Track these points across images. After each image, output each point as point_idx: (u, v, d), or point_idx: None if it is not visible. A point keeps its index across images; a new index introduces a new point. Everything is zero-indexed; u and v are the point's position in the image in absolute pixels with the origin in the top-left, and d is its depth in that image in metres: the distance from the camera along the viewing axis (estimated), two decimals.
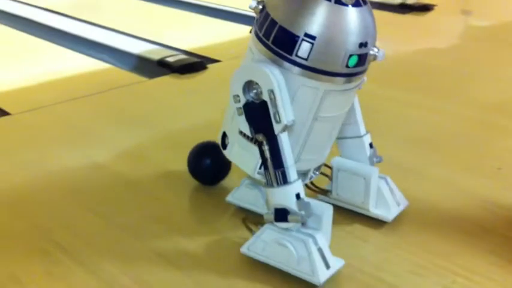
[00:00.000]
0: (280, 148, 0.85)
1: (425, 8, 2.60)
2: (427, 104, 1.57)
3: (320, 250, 0.86)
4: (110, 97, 1.64)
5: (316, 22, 0.80)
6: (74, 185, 1.17)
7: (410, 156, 1.28)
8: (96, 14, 2.57)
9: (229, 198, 1.07)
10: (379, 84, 1.76)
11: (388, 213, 1.02)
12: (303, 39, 0.81)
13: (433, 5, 2.63)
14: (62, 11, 2.62)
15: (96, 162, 1.26)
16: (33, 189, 1.16)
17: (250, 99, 0.86)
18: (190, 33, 2.34)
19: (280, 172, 0.86)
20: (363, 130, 1.03)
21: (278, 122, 0.84)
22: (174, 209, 1.09)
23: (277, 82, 0.83)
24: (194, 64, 1.87)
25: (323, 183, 1.08)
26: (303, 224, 0.87)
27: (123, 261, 0.93)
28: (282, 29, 0.82)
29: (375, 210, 1.02)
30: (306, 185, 1.03)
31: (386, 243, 0.98)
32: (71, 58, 2.03)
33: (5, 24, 2.47)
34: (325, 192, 1.07)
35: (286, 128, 0.85)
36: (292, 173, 0.86)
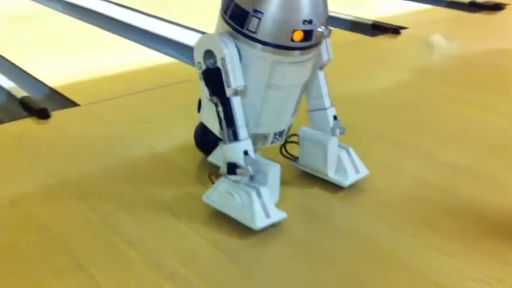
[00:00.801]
0: (232, 110, 0.99)
1: (497, 7, 2.52)
2: (493, 106, 1.53)
3: (262, 201, 0.99)
4: (175, 91, 1.67)
5: (263, 0, 0.93)
6: (138, 175, 1.21)
7: (482, 163, 1.26)
8: (165, 10, 2.63)
9: (210, 158, 1.21)
10: (444, 83, 1.73)
11: (345, 179, 1.13)
12: (252, 15, 0.93)
13: (505, 4, 2.54)
14: (132, 6, 2.69)
15: (159, 153, 1.29)
16: (100, 178, 1.21)
17: (210, 66, 0.99)
18: None
19: (231, 131, 1.00)
20: (327, 103, 1.14)
21: (229, 86, 0.98)
22: None
23: (229, 52, 0.96)
24: None
25: (296, 151, 1.18)
26: (252, 178, 1.01)
27: (184, 253, 0.96)
28: (236, 6, 0.95)
29: (334, 176, 1.14)
30: (281, 152, 1.18)
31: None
32: (139, 52, 2.09)
33: (77, 18, 2.56)
34: (295, 159, 1.19)
35: (237, 93, 0.99)
36: (242, 133, 1.00)
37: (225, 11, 0.98)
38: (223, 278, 0.92)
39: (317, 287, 0.90)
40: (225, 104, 0.99)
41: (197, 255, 0.97)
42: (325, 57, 1.11)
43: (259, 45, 0.95)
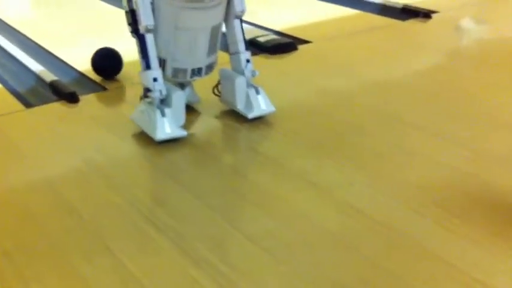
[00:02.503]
0: (145, 44, 1.24)
1: None
2: None
3: (165, 119, 1.23)
4: None
5: None
6: (167, 160, 1.24)
7: None
8: None
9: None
10: (478, 68, 1.69)
11: (250, 112, 1.34)
12: None
13: None
14: None
15: (193, 141, 1.31)
16: (128, 163, 1.23)
17: (131, 7, 1.23)
18: (281, 13, 2.35)
19: (144, 61, 1.25)
20: (241, 48, 1.35)
21: (140, 24, 1.22)
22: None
23: None
24: (285, 44, 1.87)
25: None
26: (162, 101, 1.25)
27: (213, 241, 0.97)
28: None
29: (240, 108, 1.36)
30: (213, 91, 1.41)
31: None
32: None
33: (108, 3, 2.54)
34: (219, 96, 1.42)
35: (148, 30, 1.23)
36: (153, 63, 1.24)
37: None
38: (252, 267, 0.92)
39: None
40: (141, 39, 1.24)
41: (225, 243, 0.97)
42: (238, 8, 1.31)
43: None
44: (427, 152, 1.23)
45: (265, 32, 1.99)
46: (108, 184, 1.14)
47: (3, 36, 2.09)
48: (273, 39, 1.90)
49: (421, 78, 1.65)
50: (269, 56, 1.81)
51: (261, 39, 1.89)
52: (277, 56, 1.82)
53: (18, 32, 2.16)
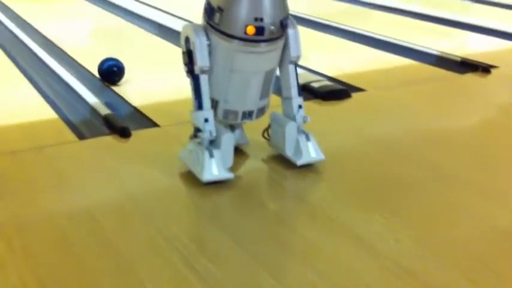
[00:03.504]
0: (199, 84, 1.25)
1: None
2: None
3: (213, 160, 1.24)
4: None
5: (224, 0, 1.17)
6: (210, 201, 1.22)
7: None
8: None
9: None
10: None
11: (298, 159, 1.33)
12: (216, 10, 1.18)
13: None
14: None
15: (240, 184, 1.30)
16: (171, 200, 1.24)
17: (189, 48, 1.24)
18: (336, 58, 2.35)
19: (197, 101, 1.25)
20: (294, 93, 1.34)
21: (196, 65, 1.23)
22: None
23: (199, 39, 1.22)
24: (338, 91, 1.86)
25: None
26: (211, 142, 1.26)
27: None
28: (208, 2, 1.22)
29: (289, 154, 1.35)
30: (262, 134, 1.41)
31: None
32: None
33: (169, 41, 2.60)
34: (269, 140, 1.42)
35: (203, 71, 1.23)
36: (205, 103, 1.25)
37: (204, 7, 1.23)
38: None
39: None
40: (195, 79, 1.25)
41: None
42: (293, 53, 1.31)
43: (222, 35, 1.19)
44: (479, 211, 1.18)
45: (319, 78, 1.99)
46: (148, 220, 1.14)
47: (61, 64, 2.16)
48: (327, 86, 1.89)
49: (474, 134, 1.60)
50: (322, 102, 1.80)
51: (315, 85, 1.88)
52: (330, 102, 1.80)
53: (75, 61, 2.23)
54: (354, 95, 1.86)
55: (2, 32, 2.69)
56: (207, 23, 1.22)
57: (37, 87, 1.93)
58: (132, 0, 3.41)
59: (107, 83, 1.95)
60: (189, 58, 1.25)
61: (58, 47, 2.43)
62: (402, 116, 1.72)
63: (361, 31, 2.68)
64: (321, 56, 2.36)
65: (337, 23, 2.84)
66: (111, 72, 1.95)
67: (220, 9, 1.18)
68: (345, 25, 2.80)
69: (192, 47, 1.23)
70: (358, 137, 1.56)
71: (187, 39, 1.25)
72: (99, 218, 1.14)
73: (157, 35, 2.72)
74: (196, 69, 1.24)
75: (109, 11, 3.21)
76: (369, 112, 1.76)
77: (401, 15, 3.12)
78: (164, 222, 1.13)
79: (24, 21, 2.90)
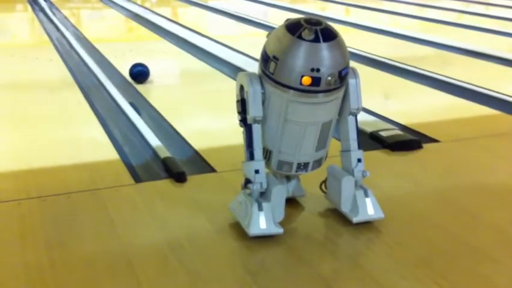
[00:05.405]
0: (251, 135, 1.21)
1: None
2: None
3: (262, 214, 1.19)
4: None
5: (280, 49, 1.13)
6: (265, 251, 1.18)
7: None
8: None
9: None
10: None
11: (355, 216, 1.25)
12: (271, 60, 1.14)
13: None
14: None
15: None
16: (215, 246, 1.21)
17: (242, 97, 1.21)
18: (412, 105, 2.24)
19: (249, 152, 1.21)
20: (353, 147, 1.28)
21: (249, 115, 1.19)
22: None
23: (252, 88, 1.18)
24: (409, 142, 1.75)
25: None
26: (262, 194, 1.21)
27: None
28: (264, 51, 1.17)
29: (345, 210, 1.27)
30: (320, 187, 1.35)
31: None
32: None
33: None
34: (326, 193, 1.35)
35: (256, 121, 1.20)
36: (257, 154, 1.21)
37: (261, 54, 1.19)
38: None
39: None
40: (247, 129, 1.21)
41: None
42: (353, 105, 1.25)
43: (276, 85, 1.15)
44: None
45: (390, 126, 1.89)
46: (187, 273, 1.09)
47: (126, 100, 2.19)
48: (397, 135, 1.79)
49: None
50: (390, 152, 1.70)
51: (384, 134, 1.78)
52: (399, 153, 1.70)
53: (145, 98, 2.26)
54: (426, 146, 1.74)
55: (87, 74, 2.76)
56: (262, 71, 1.18)
57: (105, 127, 1.96)
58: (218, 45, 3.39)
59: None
60: (242, 107, 1.21)
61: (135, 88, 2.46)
62: (478, 172, 1.58)
63: (443, 77, 2.55)
64: (396, 102, 2.26)
65: (417, 67, 2.73)
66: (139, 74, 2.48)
67: (275, 59, 1.13)
68: (426, 70, 2.68)
69: (245, 96, 1.20)
70: (423, 193, 1.45)
71: (241, 88, 1.22)
72: (137, 265, 1.12)
73: (229, 75, 2.70)
74: (249, 119, 1.20)
75: (192, 54, 3.21)
76: (441, 166, 1.64)
77: (488, 60, 2.96)
78: (204, 275, 1.09)
79: (109, 63, 2.94)
